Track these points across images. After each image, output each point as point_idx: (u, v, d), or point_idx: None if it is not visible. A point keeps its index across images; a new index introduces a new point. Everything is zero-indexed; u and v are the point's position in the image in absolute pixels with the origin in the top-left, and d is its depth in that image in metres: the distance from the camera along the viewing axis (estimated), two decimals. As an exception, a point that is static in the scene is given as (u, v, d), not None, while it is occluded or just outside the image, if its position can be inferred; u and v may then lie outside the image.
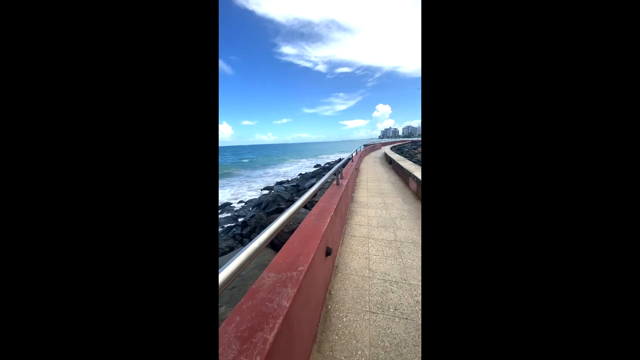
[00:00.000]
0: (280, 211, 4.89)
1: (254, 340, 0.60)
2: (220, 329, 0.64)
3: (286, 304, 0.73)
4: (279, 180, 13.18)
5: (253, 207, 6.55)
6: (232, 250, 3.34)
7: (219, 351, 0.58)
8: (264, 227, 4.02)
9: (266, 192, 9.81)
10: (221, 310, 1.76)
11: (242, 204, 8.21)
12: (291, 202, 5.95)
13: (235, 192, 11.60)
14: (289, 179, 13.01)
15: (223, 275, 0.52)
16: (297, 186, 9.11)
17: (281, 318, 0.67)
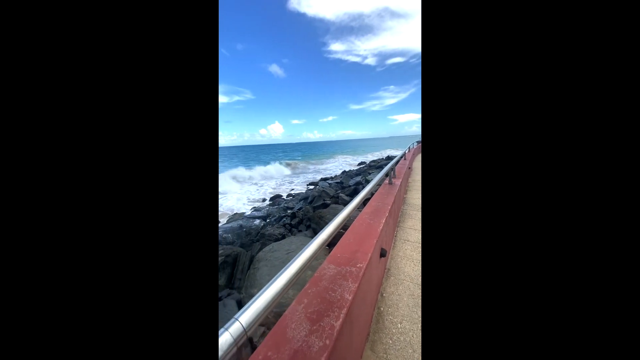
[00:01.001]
0: (325, 206, 5.04)
1: (322, 324, 0.66)
2: (290, 307, 0.73)
3: (348, 297, 0.76)
4: (323, 177, 13.53)
5: (300, 201, 6.98)
6: (283, 237, 3.67)
7: (292, 326, 0.65)
8: (310, 219, 4.24)
9: (311, 187, 10.26)
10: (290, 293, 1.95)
11: (291, 197, 8.85)
12: (336, 197, 6.03)
13: (280, 186, 12.59)
14: (332, 176, 13.18)
15: (290, 271, 0.54)
16: (341, 183, 9.14)
17: (345, 309, 0.71)
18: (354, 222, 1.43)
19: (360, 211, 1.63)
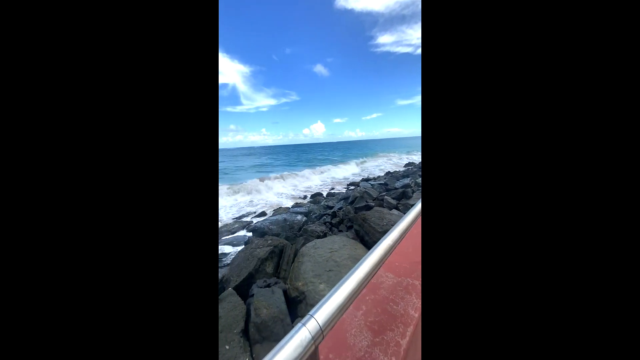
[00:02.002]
0: (368, 208, 4.85)
1: (385, 337, 0.60)
2: (348, 311, 0.70)
3: (414, 313, 0.68)
4: (364, 177, 13.09)
5: (340, 200, 6.95)
6: (325, 235, 3.72)
7: (352, 332, 0.62)
8: (352, 220, 4.15)
9: (352, 188, 10.07)
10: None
11: (331, 196, 8.91)
12: (380, 200, 5.73)
13: (318, 185, 12.79)
14: (375, 177, 12.59)
15: (359, 275, 0.51)
16: (386, 185, 8.63)
17: (412, 327, 0.63)
18: (411, 229, 1.30)
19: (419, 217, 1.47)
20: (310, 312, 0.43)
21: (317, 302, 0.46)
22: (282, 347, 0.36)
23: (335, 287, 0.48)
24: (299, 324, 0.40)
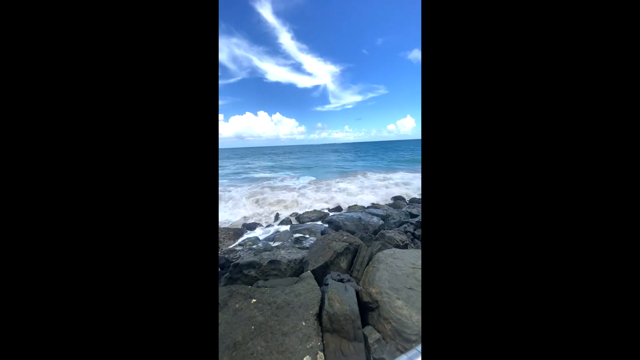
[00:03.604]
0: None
1: None
2: None
3: None
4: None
5: (427, 209, 5.97)
6: (405, 246, 3.33)
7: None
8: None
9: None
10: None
11: (416, 202, 7.87)
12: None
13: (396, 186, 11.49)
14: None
15: None
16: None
17: None
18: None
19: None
20: (417, 348, 0.44)
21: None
22: None
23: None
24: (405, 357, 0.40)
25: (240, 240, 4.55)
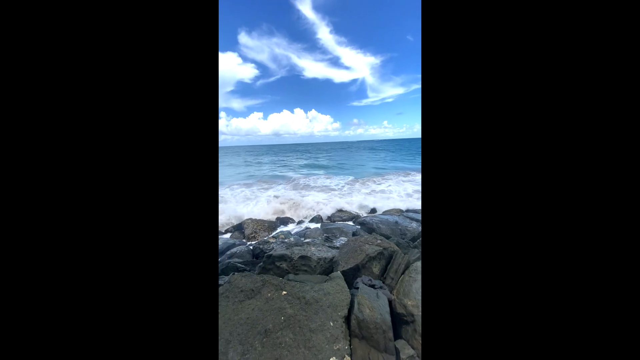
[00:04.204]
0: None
1: None
2: None
3: None
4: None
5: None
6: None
7: None
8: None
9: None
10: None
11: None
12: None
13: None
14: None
15: None
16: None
17: None
18: None
19: None
20: None
21: None
22: None
23: None
24: None
25: (273, 233, 4.80)
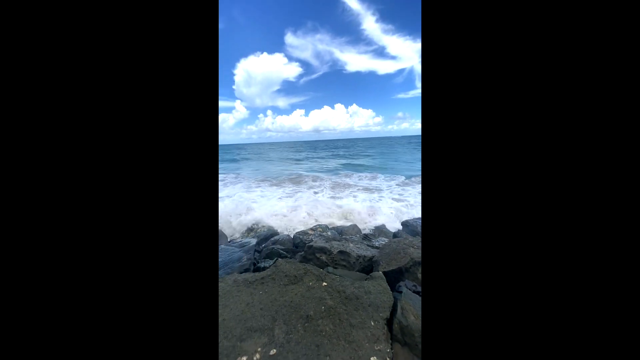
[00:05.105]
0: None
1: None
2: None
3: None
4: None
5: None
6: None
7: None
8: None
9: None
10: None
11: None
12: None
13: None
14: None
15: None
16: None
17: None
18: None
19: None
20: None
21: None
22: None
23: None
24: None
25: (311, 225, 4.98)
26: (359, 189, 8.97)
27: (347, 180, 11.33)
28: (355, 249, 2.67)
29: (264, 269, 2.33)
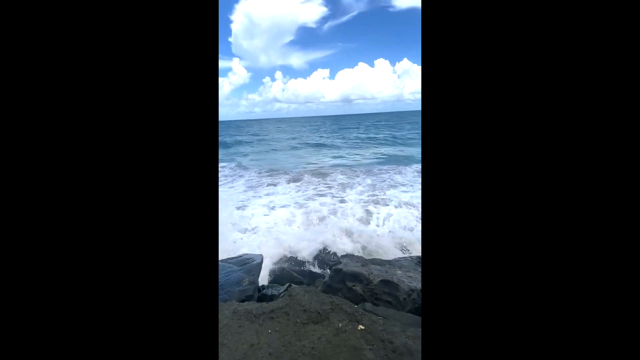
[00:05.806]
0: None
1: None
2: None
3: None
4: None
5: None
6: None
7: None
8: None
9: None
10: None
11: None
12: None
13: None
14: None
15: None
16: None
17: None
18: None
19: None
20: None
21: None
22: None
23: None
24: None
25: (339, 243, 4.24)
26: (407, 190, 5.68)
27: (397, 177, 7.40)
28: (406, 277, 1.88)
29: (273, 297, 1.76)
